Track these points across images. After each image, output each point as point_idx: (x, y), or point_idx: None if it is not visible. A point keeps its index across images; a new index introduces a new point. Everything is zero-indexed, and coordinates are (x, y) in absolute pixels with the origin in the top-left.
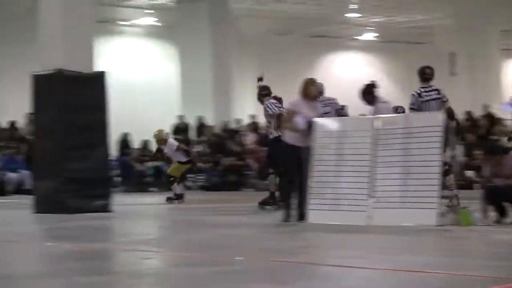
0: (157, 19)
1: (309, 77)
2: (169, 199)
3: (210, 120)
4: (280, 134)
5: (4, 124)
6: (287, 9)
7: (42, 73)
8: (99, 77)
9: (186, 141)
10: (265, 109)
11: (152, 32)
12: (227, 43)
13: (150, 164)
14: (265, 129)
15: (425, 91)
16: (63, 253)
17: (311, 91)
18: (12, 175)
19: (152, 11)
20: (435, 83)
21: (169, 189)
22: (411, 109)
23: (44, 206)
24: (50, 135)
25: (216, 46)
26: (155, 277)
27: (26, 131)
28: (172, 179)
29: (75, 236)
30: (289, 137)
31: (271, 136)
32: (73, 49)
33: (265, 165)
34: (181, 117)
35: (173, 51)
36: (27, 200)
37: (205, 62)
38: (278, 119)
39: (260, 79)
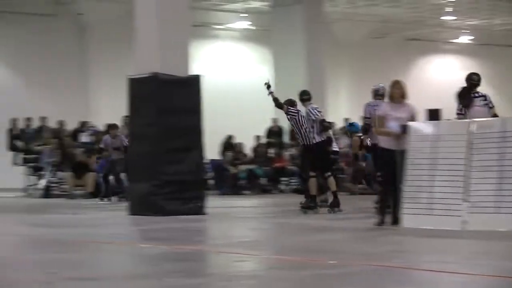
0: (251, 22)
1: (395, 79)
2: None
3: None
4: (323, 139)
5: (100, 127)
6: (382, 13)
7: (138, 76)
8: (194, 80)
9: (280, 145)
10: (307, 114)
11: (247, 36)
12: (321, 46)
13: (244, 167)
14: (308, 134)
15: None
16: (157, 255)
17: (393, 93)
18: (109, 178)
19: (247, 15)
20: None
21: (262, 192)
22: (459, 114)
23: (139, 208)
24: (145, 138)
25: (310, 49)
26: (247, 279)
27: (123, 134)
28: None
29: (169, 238)
30: (383, 141)
31: (313, 141)
32: (169, 53)
33: (306, 169)
34: (274, 120)
35: (267, 55)
36: (123, 202)
37: (299, 66)
38: (321, 124)
39: (268, 86)
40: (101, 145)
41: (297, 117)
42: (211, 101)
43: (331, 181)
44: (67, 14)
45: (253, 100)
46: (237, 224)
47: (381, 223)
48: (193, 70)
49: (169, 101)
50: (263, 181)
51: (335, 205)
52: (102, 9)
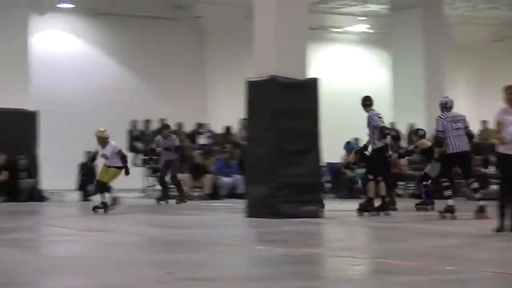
0: (369, 26)
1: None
2: (96, 208)
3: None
4: (382, 145)
5: (219, 129)
6: (502, 15)
7: (255, 79)
8: (312, 83)
9: (397, 149)
10: (368, 120)
11: (364, 39)
12: (440, 50)
13: (360, 170)
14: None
15: None
16: (274, 257)
17: (508, 98)
18: (226, 180)
19: (365, 18)
20: None
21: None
22: None
23: (256, 210)
24: (263, 141)
25: (429, 52)
26: (362, 283)
27: (240, 136)
28: (105, 185)
29: (285, 241)
30: (502, 147)
31: (374, 147)
32: (287, 56)
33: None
34: (392, 124)
35: (385, 58)
36: (239, 204)
37: (417, 69)
38: (381, 131)
39: None
40: (153, 146)
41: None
42: (328, 104)
43: (381, 186)
44: (186, 18)
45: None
46: (353, 228)
47: (500, 229)
48: (311, 73)
49: (287, 104)
50: None
51: (381, 209)
52: (220, 13)
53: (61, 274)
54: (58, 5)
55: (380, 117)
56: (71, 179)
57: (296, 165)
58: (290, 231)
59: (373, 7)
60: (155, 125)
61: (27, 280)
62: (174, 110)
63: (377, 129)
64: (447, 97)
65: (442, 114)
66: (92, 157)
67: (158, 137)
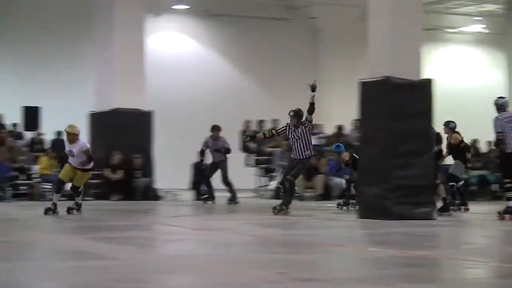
0: (485, 26)
1: None
2: (49, 210)
3: None
4: None
5: (332, 130)
6: None
7: (369, 80)
8: (426, 84)
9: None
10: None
11: (479, 39)
12: None
13: (475, 172)
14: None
15: None
16: (386, 259)
17: None
18: (338, 180)
19: (481, 18)
20: None
21: (494, 199)
22: None
23: (368, 211)
24: (376, 142)
25: None
26: (480, 287)
27: (352, 137)
28: (77, 189)
29: (397, 242)
30: None
31: (508, 150)
32: (401, 57)
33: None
34: None
35: (501, 59)
36: (351, 205)
37: None
38: None
39: (313, 89)
40: (202, 147)
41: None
42: (442, 105)
43: (441, 188)
44: (300, 18)
45: (485, 105)
46: (467, 230)
47: None
48: (425, 73)
49: (400, 105)
50: (494, 187)
51: (444, 210)
52: (335, 13)
53: (177, 272)
54: (173, 7)
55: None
56: (185, 178)
57: (409, 166)
58: (403, 233)
59: (489, 7)
60: (269, 126)
61: (143, 277)
62: (287, 110)
63: None
64: (502, 97)
65: (499, 115)
66: (201, 152)
67: (207, 138)
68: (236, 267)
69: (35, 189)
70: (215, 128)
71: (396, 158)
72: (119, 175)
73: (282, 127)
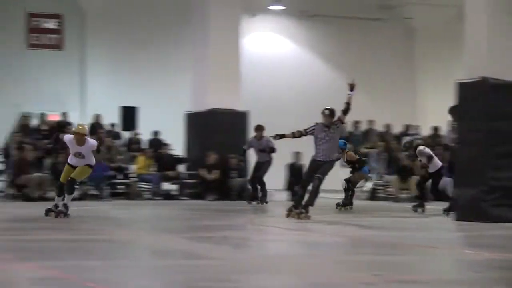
0: None
1: None
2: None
3: None
4: None
5: (428, 131)
6: None
7: (466, 81)
8: None
9: None
10: None
11: None
12: None
13: None
14: None
15: None
16: (483, 262)
17: None
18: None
19: None
20: None
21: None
22: None
23: (465, 213)
24: (472, 143)
25: None
26: None
27: (449, 138)
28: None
29: (495, 245)
30: None
31: None
32: (498, 57)
33: None
34: None
35: None
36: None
37: None
38: None
39: (351, 88)
40: (245, 147)
41: None
42: None
43: None
44: (395, 18)
45: None
46: None
47: None
48: None
49: (498, 106)
50: None
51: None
52: (430, 13)
53: (271, 273)
54: (269, 7)
55: None
56: (280, 179)
57: (507, 168)
58: (500, 236)
59: None
60: (364, 126)
61: (240, 277)
62: (382, 111)
63: None
64: None
65: None
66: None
67: (251, 138)
68: (330, 268)
69: (132, 188)
70: (259, 128)
71: (494, 159)
72: (214, 175)
73: (311, 126)
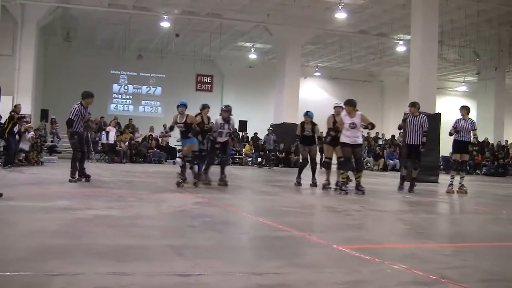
0: None
1: None
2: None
3: None
4: None
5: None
6: None
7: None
8: None
9: None
10: None
11: None
12: None
13: None
14: None
15: None
16: None
17: None
18: None
19: None
20: None
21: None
22: None
23: None
24: None
25: None
26: None
27: None
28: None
29: None
30: None
31: None
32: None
33: None
34: None
35: None
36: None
37: None
38: None
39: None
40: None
41: None
42: None
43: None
44: (374, 81)
45: None
46: None
47: None
48: None
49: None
50: None
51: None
52: (394, 78)
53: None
54: (314, 74)
55: None
56: None
57: None
58: None
59: None
60: None
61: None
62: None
63: None
64: None
65: None
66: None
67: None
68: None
69: (243, 161)
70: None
71: None
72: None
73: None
